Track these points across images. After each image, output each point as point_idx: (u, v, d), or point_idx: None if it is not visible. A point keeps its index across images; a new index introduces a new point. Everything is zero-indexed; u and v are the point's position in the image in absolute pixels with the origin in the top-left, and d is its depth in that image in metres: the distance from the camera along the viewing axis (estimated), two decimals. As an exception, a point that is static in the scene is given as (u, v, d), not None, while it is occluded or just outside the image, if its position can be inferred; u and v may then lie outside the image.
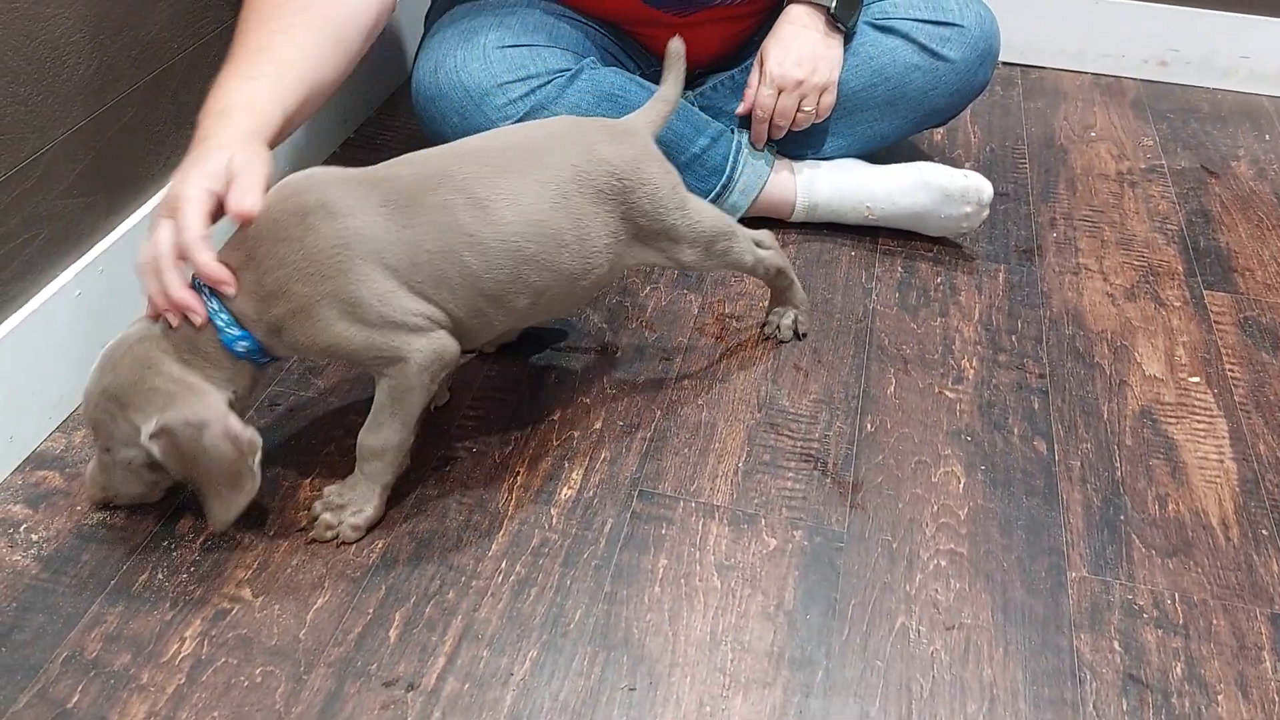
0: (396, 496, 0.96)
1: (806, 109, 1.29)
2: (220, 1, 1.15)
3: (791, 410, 1.10)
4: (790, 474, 1.03)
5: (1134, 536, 0.98)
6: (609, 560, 0.92)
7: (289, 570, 0.89)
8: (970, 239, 1.37)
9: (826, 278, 1.29)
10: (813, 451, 1.05)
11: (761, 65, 1.29)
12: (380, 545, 0.92)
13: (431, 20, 1.32)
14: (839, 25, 1.28)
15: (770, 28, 1.38)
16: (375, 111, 1.57)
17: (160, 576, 0.88)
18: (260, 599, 0.87)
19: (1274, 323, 1.26)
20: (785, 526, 0.97)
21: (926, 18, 1.31)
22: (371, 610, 0.87)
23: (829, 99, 1.30)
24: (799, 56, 1.27)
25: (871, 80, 1.32)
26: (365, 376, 1.09)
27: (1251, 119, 1.71)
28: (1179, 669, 0.87)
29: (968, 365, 1.17)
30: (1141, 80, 1.80)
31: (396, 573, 0.90)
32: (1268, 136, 1.66)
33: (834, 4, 1.28)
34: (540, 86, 1.20)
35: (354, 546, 0.92)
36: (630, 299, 1.24)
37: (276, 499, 0.96)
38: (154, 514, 0.93)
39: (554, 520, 0.96)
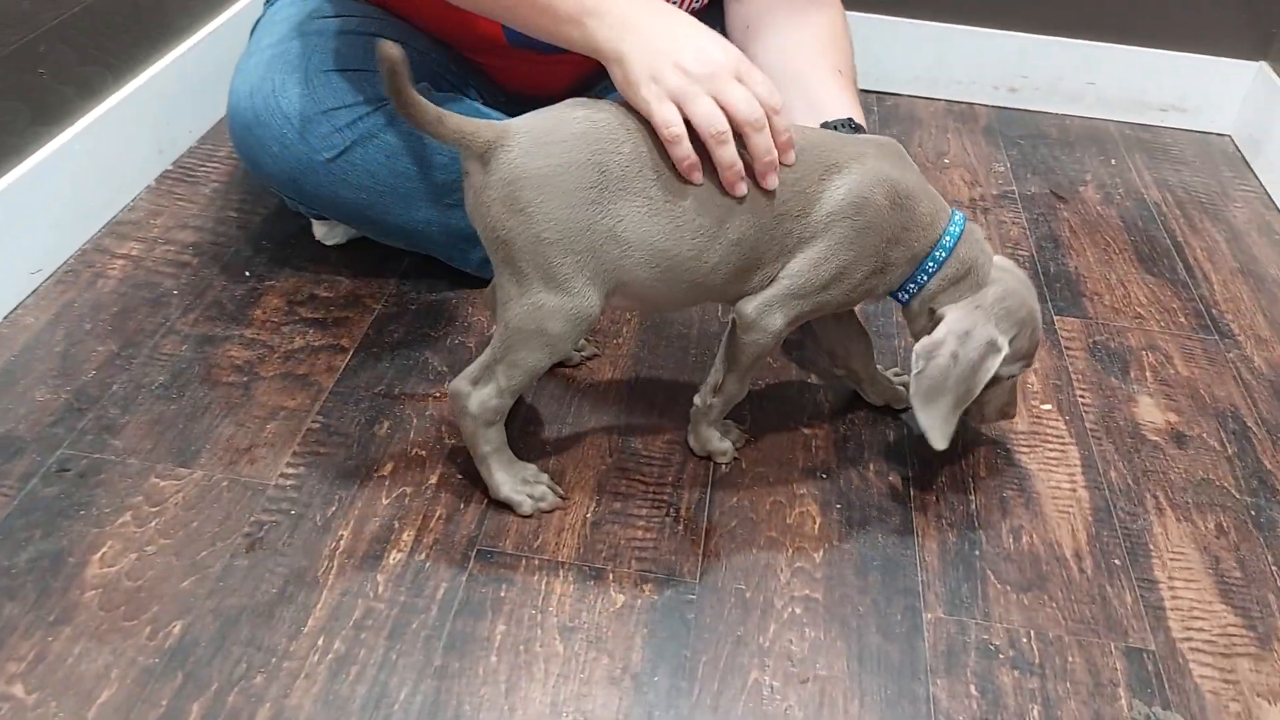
0: (198, 567, 0.87)
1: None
2: None
3: (644, 453, 1.05)
4: (641, 522, 0.97)
5: (989, 572, 0.96)
6: (441, 630, 0.85)
7: (70, 661, 0.79)
8: (826, 267, 1.34)
9: (681, 310, 1.24)
10: (665, 497, 1.00)
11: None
12: (178, 626, 0.83)
13: (254, 38, 1.23)
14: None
15: None
16: (198, 141, 1.47)
17: (-82, 676, 0.77)
18: (35, 696, 0.77)
19: (1122, 347, 1.26)
20: (634, 580, 0.91)
21: None
22: (165, 702, 0.77)
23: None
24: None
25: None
26: (174, 433, 1.00)
27: (1098, 143, 1.74)
28: (1035, 711, 0.84)
29: (823, 399, 1.14)
30: (993, 106, 1.83)
31: (196, 657, 0.81)
32: (1113, 161, 1.69)
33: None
34: (368, 114, 1.13)
35: (147, 629, 0.82)
36: (474, 337, 1.17)
37: (58, 579, 0.85)
38: (-84, 602, 0.82)
39: (380, 588, 0.88)
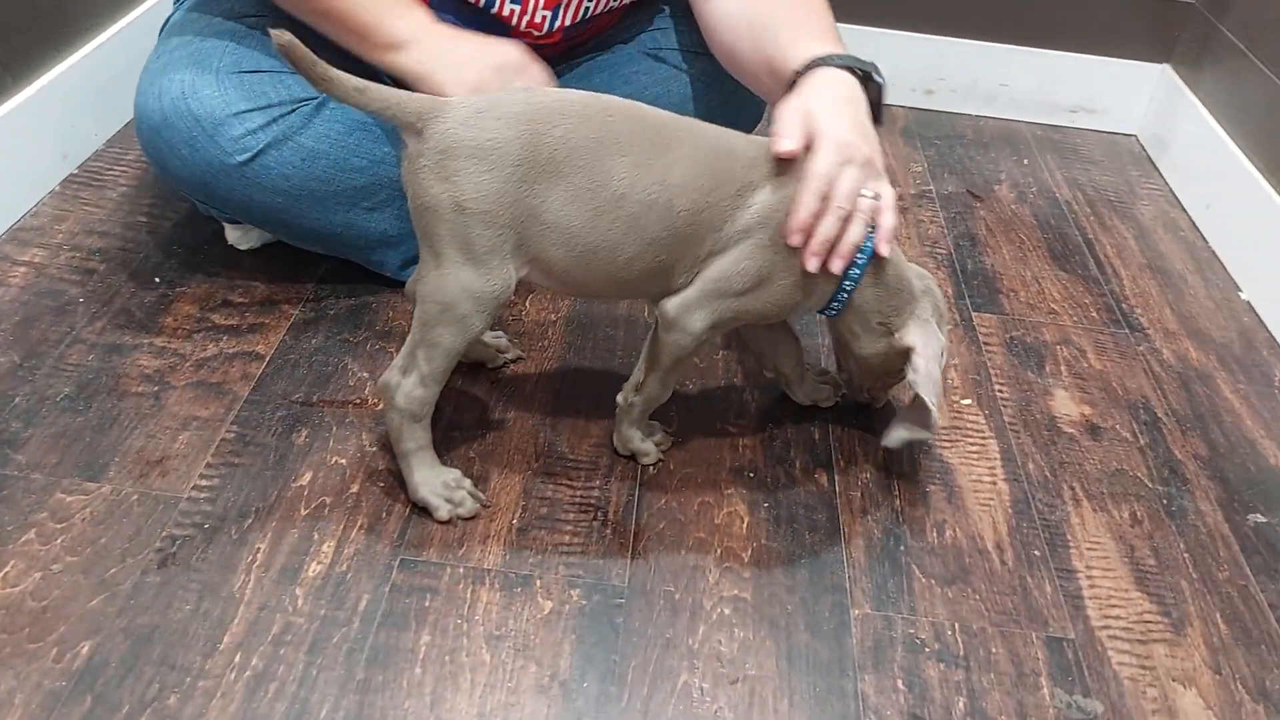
0: (107, 585, 0.83)
1: (867, 199, 0.93)
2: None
3: (571, 457, 1.04)
4: (569, 527, 0.96)
5: (914, 567, 0.97)
6: (363, 642, 0.83)
7: (-30, 688, 0.76)
8: (750, 268, 1.35)
9: (607, 312, 1.24)
10: (593, 500, 0.99)
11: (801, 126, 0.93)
12: (87, 647, 0.79)
13: (162, 38, 1.19)
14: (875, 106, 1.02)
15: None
16: (105, 144, 1.42)
17: None
18: (-69, 727, 0.73)
19: (1038, 342, 1.29)
20: (562, 586, 0.90)
21: (694, 48, 1.28)
22: (73, 728, 0.74)
23: (891, 218, 0.95)
24: (853, 122, 0.95)
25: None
26: (80, 446, 0.96)
27: (1011, 144, 1.78)
28: (961, 704, 0.85)
29: (749, 398, 1.14)
30: (910, 108, 1.86)
31: (106, 678, 0.77)
32: (1026, 161, 1.73)
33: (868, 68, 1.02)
34: (283, 116, 1.10)
35: (54, 651, 0.79)
36: (395, 342, 1.15)
37: (-42, 602, 0.82)
38: None
39: (300, 602, 0.85)
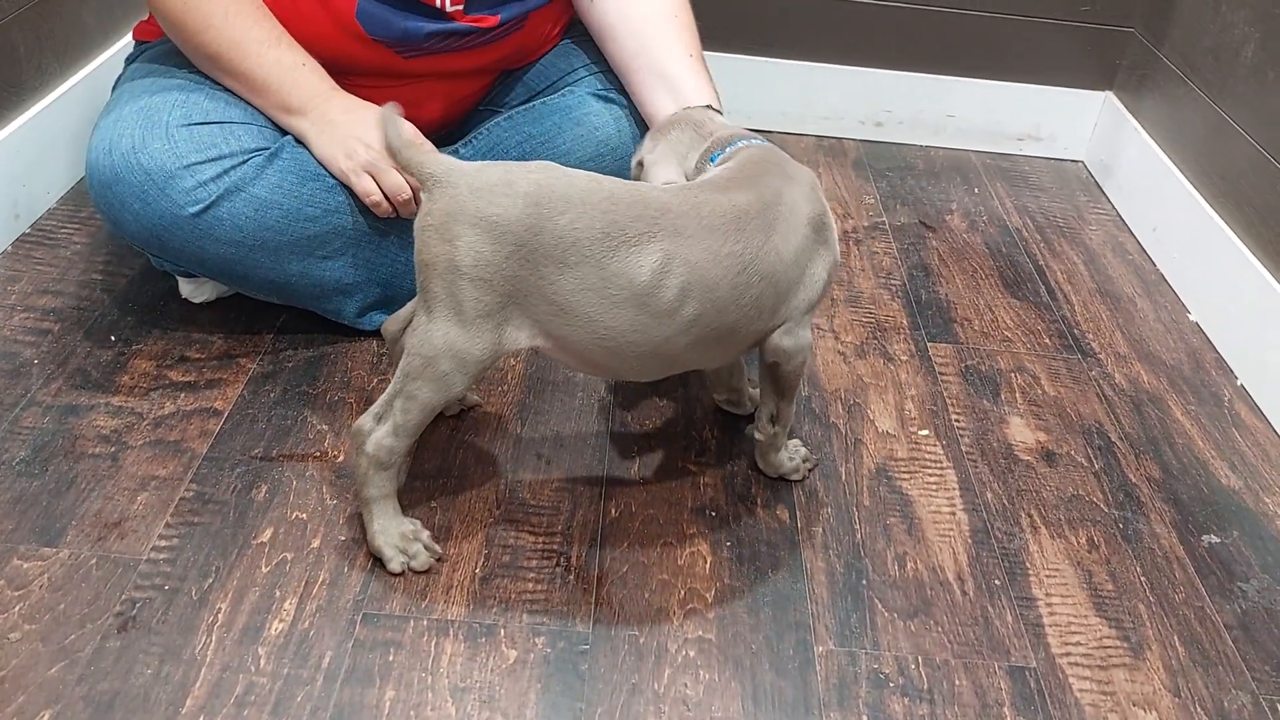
0: (67, 652, 0.82)
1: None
2: None
3: (533, 503, 1.04)
4: (532, 575, 0.96)
5: (876, 601, 0.98)
6: (327, 700, 0.83)
7: (-76, 766, 0.75)
8: (708, 305, 1.36)
9: (565, 356, 1.24)
10: (555, 547, 0.99)
11: None
12: (47, 716, 0.78)
13: (114, 95, 1.20)
14: None
15: (493, 98, 1.35)
16: (57, 202, 1.41)
17: None
18: (-115, 808, 0.72)
19: (992, 370, 1.31)
20: (526, 634, 0.90)
21: None
22: (31, 803, 0.73)
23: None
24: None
25: (599, 151, 1.30)
26: (37, 511, 0.95)
27: (961, 173, 1.82)
28: (927, 737, 0.86)
29: (709, 435, 1.15)
30: (860, 140, 1.89)
31: (65, 750, 0.77)
32: (976, 190, 1.77)
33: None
34: (235, 167, 1.10)
35: (11, 725, 0.78)
36: (354, 393, 1.15)
37: (-89, 677, 0.80)
38: None
39: (262, 661, 0.85)
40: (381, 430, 0.91)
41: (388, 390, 0.91)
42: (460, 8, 1.20)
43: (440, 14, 1.19)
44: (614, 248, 0.88)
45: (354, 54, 1.20)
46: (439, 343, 0.88)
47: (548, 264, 0.87)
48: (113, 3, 1.50)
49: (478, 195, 0.86)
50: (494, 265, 0.86)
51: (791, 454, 1.10)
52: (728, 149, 1.02)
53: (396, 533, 0.94)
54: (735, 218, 0.93)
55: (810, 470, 1.11)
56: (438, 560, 0.96)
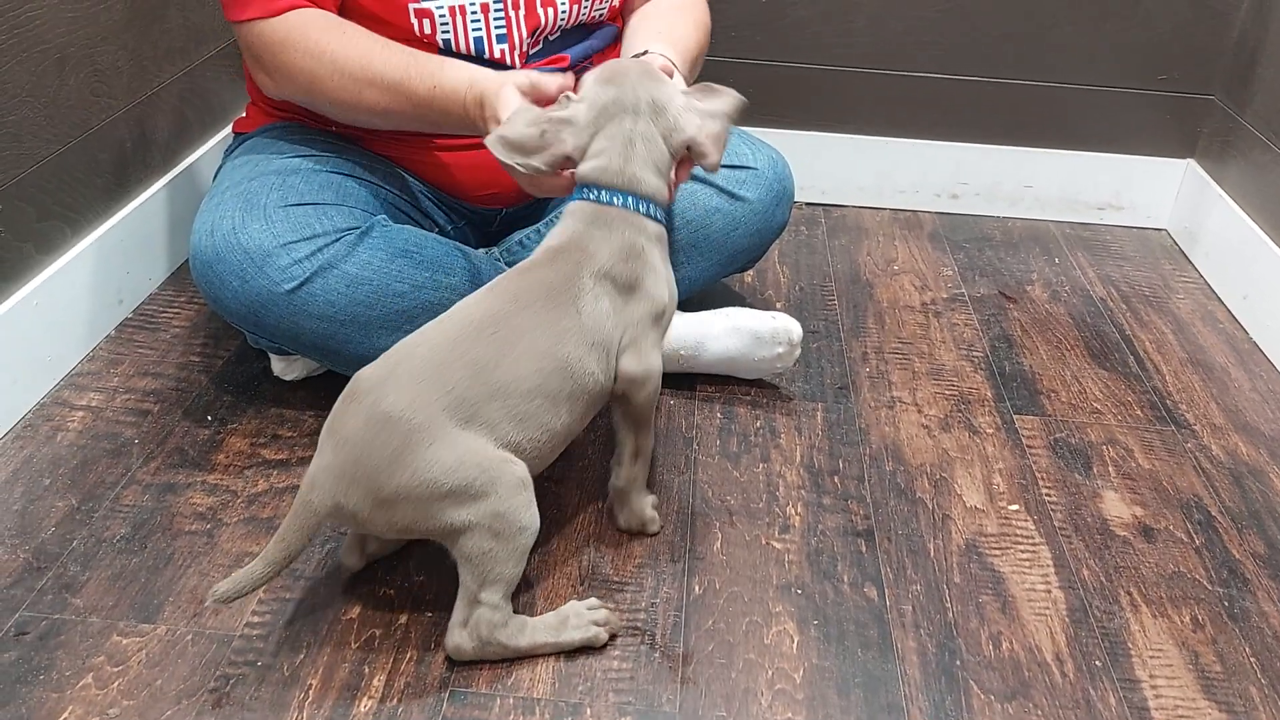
0: (166, 730, 0.84)
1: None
2: None
3: (616, 579, 1.04)
4: (617, 652, 0.95)
5: (971, 682, 0.95)
6: (415, 779, 0.82)
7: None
8: (787, 378, 1.36)
9: (645, 431, 1.25)
10: (640, 623, 0.99)
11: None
12: (143, 794, 0.80)
13: (215, 183, 1.26)
14: None
15: None
16: (158, 287, 1.48)
17: None
18: None
19: (1082, 443, 1.28)
20: (613, 713, 0.89)
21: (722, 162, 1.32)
22: None
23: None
24: None
25: (675, 225, 1.32)
26: (136, 588, 0.98)
27: (1040, 243, 1.80)
28: (1030, 827, 0.82)
29: (793, 512, 1.14)
30: (936, 213, 1.88)
31: (161, 827, 0.77)
32: (1056, 260, 1.74)
33: None
34: (328, 245, 1.14)
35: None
36: (440, 471, 1.16)
37: (17, 751, 0.82)
38: None
39: (351, 738, 0.85)
40: (479, 614, 0.90)
41: (459, 598, 0.91)
42: (526, 60, 1.24)
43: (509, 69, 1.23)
44: (491, 370, 0.91)
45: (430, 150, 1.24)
46: (491, 514, 0.88)
47: (479, 412, 0.90)
48: (211, 101, 1.58)
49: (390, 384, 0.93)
50: (450, 434, 0.89)
51: (653, 502, 1.09)
52: (570, 201, 1.02)
53: (567, 625, 0.95)
54: (544, 287, 0.96)
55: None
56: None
